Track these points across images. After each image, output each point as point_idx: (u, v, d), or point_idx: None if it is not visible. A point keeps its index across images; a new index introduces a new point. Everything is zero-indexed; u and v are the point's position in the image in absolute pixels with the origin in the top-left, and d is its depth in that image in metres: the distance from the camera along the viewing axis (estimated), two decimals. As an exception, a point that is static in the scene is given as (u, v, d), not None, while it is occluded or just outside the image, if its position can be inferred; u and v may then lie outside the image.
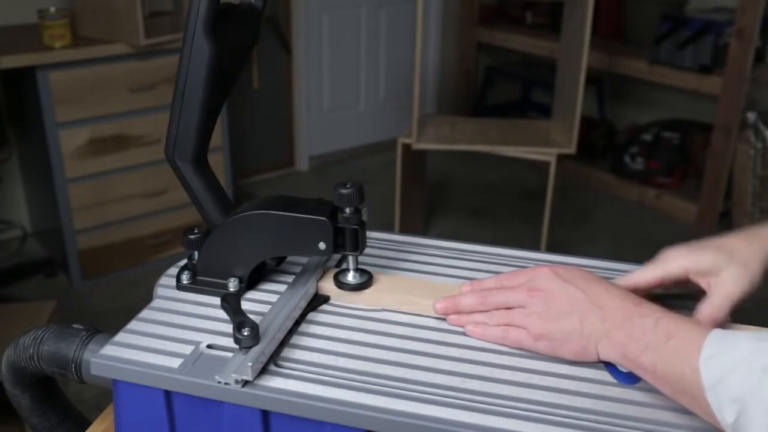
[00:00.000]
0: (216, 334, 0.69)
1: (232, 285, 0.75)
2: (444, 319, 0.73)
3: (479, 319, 0.71)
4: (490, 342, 0.70)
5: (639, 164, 3.54)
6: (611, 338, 0.64)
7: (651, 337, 0.61)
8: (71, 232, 2.57)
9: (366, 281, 0.76)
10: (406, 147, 2.69)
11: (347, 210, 0.70)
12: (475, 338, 0.70)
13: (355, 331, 0.71)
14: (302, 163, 3.87)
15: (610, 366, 0.66)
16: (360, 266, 0.77)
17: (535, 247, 2.65)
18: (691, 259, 0.71)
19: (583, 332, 0.65)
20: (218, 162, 2.80)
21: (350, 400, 0.61)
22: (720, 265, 0.69)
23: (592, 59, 2.92)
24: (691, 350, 0.57)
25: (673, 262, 0.72)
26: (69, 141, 2.47)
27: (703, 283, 0.70)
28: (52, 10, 2.38)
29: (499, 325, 0.70)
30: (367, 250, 0.79)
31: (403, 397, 0.61)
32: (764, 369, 0.52)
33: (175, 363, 0.65)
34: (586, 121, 3.47)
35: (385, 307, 0.75)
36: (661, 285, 0.73)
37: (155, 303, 0.75)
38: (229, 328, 0.67)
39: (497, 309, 0.71)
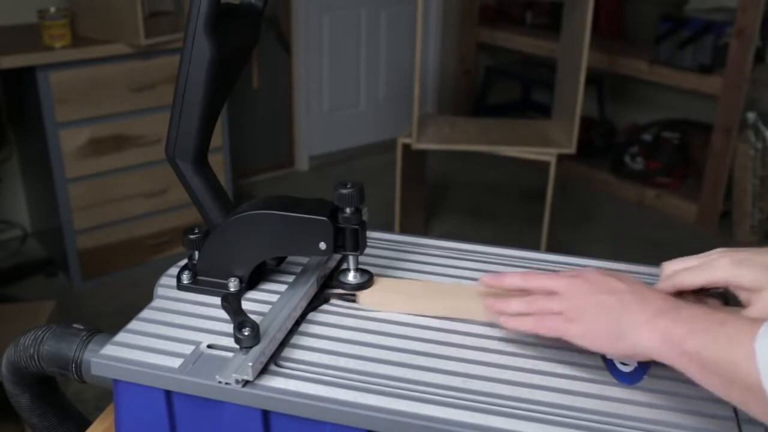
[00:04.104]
0: (216, 334, 0.69)
1: (233, 285, 0.75)
2: (444, 320, 0.73)
3: (516, 308, 0.69)
4: (524, 333, 0.69)
5: (639, 164, 3.54)
6: (654, 323, 0.60)
7: (701, 323, 0.58)
8: (71, 232, 2.57)
9: (366, 281, 0.76)
10: (406, 147, 2.69)
11: (347, 210, 0.70)
12: (510, 329, 0.69)
13: (356, 331, 0.71)
14: (302, 163, 3.87)
15: (610, 366, 0.66)
16: (360, 266, 0.77)
17: (535, 247, 2.64)
18: (734, 273, 0.69)
19: (622, 318, 0.62)
20: (218, 162, 2.80)
21: (350, 400, 0.61)
22: (761, 284, 0.67)
23: (592, 59, 2.92)
24: (745, 335, 0.54)
25: (717, 272, 0.70)
26: (69, 141, 2.46)
27: (742, 296, 0.69)
28: (52, 10, 2.38)
29: (536, 314, 0.68)
30: (367, 250, 0.79)
31: (403, 397, 0.61)
32: None
33: (176, 363, 0.65)
34: (586, 121, 3.47)
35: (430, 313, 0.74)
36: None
37: (155, 303, 0.75)
38: (229, 328, 0.67)
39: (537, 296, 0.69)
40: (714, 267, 0.70)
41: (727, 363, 0.54)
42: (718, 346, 0.55)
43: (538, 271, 0.74)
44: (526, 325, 0.68)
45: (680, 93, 3.47)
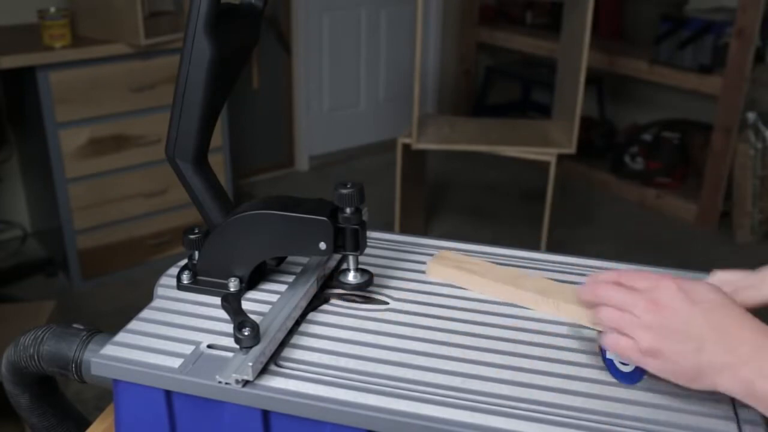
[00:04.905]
0: (216, 334, 0.69)
1: (233, 285, 0.75)
2: (445, 319, 0.73)
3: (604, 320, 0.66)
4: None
5: (639, 164, 3.54)
6: (737, 373, 0.58)
7: None
8: (71, 232, 2.57)
9: (366, 281, 0.76)
10: (406, 147, 2.69)
11: (347, 210, 0.70)
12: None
13: (356, 331, 0.71)
14: (302, 163, 3.87)
15: (610, 366, 0.66)
16: (360, 266, 0.77)
17: (535, 247, 2.64)
18: None
19: (701, 359, 0.59)
20: (218, 162, 2.80)
21: (350, 400, 0.61)
22: None
23: (592, 59, 2.92)
24: None
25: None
26: (69, 141, 2.47)
27: None
28: (52, 10, 2.38)
29: (610, 328, 0.65)
30: (367, 250, 0.79)
31: (403, 397, 0.61)
32: None
33: (176, 363, 0.65)
34: (586, 121, 3.47)
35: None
36: None
37: (155, 303, 0.75)
38: (229, 328, 0.67)
39: (610, 306, 0.65)
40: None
41: None
42: None
43: (630, 270, 0.70)
44: (605, 340, 0.65)
45: (680, 93, 3.47)
